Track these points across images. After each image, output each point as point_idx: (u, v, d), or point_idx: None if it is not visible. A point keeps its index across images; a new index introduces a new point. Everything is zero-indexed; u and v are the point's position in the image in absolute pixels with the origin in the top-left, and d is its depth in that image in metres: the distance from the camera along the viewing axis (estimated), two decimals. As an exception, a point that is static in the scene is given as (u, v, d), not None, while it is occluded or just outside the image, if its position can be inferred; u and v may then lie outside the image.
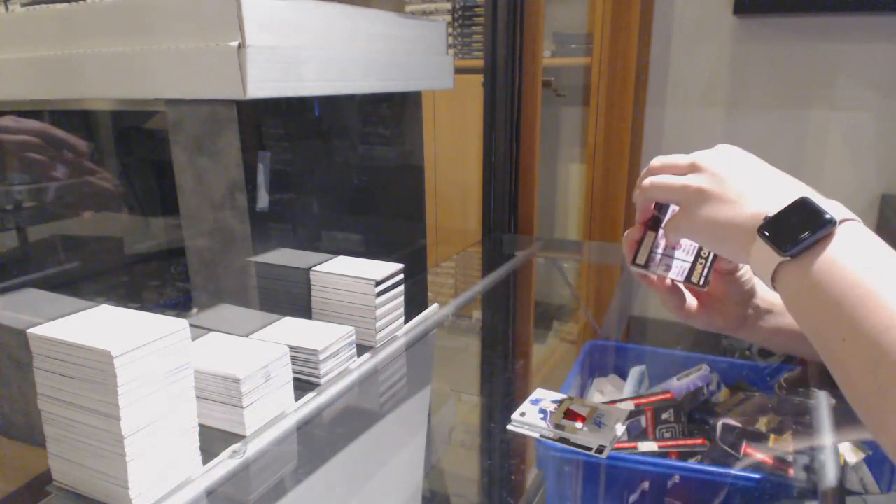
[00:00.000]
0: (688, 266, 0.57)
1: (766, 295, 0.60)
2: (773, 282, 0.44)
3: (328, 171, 0.86)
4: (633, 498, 0.67)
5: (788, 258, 0.42)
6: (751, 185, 0.47)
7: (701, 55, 1.92)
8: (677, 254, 0.57)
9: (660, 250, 0.57)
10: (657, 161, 0.54)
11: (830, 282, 0.40)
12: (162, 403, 0.49)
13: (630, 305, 1.34)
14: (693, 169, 0.51)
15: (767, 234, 0.43)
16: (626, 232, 0.59)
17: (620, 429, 0.64)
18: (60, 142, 0.75)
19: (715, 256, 0.57)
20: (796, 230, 0.42)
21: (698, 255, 0.57)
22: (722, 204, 0.47)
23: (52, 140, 0.74)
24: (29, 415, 0.58)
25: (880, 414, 0.36)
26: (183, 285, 0.84)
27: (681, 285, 0.59)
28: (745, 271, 0.58)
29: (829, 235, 0.41)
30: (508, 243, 1.42)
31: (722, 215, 0.47)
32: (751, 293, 0.59)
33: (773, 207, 0.44)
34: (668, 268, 0.57)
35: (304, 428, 0.63)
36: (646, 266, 0.58)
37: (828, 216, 0.41)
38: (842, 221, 0.42)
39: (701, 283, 0.57)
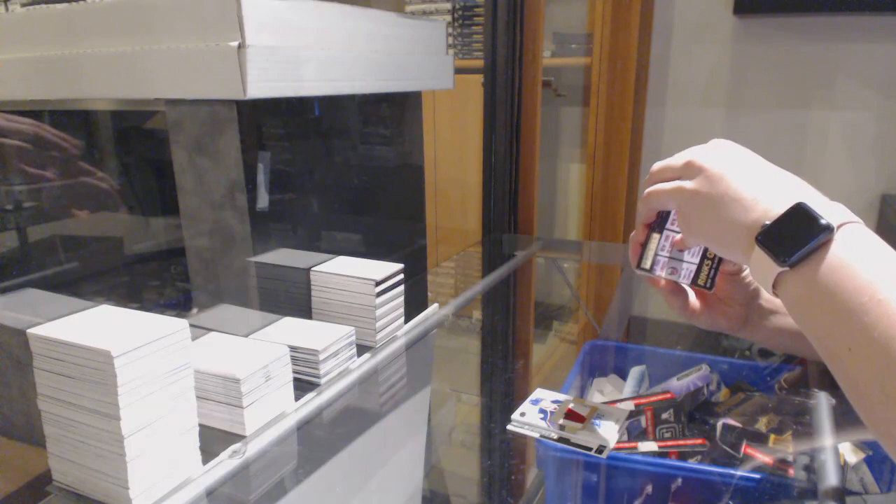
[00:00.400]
0: (694, 268, 0.57)
1: (769, 295, 0.60)
2: (774, 289, 0.43)
3: (328, 171, 0.86)
4: (636, 502, 0.67)
5: (787, 268, 0.41)
6: (748, 188, 0.46)
7: (701, 55, 1.92)
8: (683, 256, 0.57)
9: (665, 252, 0.56)
10: (656, 166, 0.54)
11: (832, 290, 0.39)
12: (162, 403, 0.49)
13: (630, 305, 1.34)
14: (687, 169, 0.50)
15: (764, 242, 0.43)
16: (632, 234, 0.58)
17: (620, 429, 0.64)
18: (52, 141, 0.74)
19: (721, 258, 0.56)
20: (793, 238, 0.41)
21: (704, 257, 0.56)
22: (719, 208, 0.47)
23: (44, 139, 0.74)
24: (29, 415, 0.58)
25: (887, 424, 0.36)
26: (183, 285, 0.84)
27: (686, 287, 0.59)
28: (749, 272, 0.58)
29: (827, 242, 0.40)
30: (508, 243, 1.42)
31: (720, 220, 0.46)
32: (754, 293, 0.59)
33: (771, 212, 0.43)
34: (675, 270, 0.57)
35: (304, 428, 0.63)
36: (651, 270, 0.57)
37: (824, 222, 0.40)
38: (841, 226, 0.41)
39: (707, 285, 0.56)
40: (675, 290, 0.59)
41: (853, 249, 0.40)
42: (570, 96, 2.20)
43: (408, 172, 1.05)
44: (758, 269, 0.44)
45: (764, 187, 0.45)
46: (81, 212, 0.84)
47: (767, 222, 0.43)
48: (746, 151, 0.49)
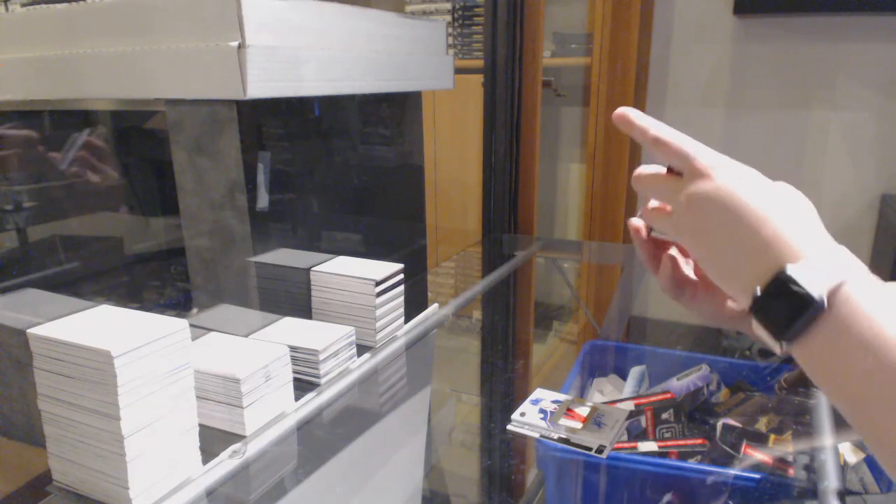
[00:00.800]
0: None
1: None
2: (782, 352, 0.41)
3: (328, 171, 0.86)
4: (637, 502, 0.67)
5: (786, 343, 0.39)
6: (732, 249, 0.42)
7: (701, 55, 1.92)
8: None
9: None
10: (637, 179, 0.50)
11: (842, 368, 0.37)
12: (162, 403, 0.49)
13: (630, 305, 1.34)
14: (677, 205, 0.46)
15: (756, 316, 0.40)
16: (641, 209, 0.54)
17: (620, 429, 0.64)
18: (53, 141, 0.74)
19: None
20: (784, 315, 0.38)
21: None
22: (711, 259, 0.44)
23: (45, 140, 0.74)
24: (29, 415, 0.58)
25: None
26: (183, 285, 0.84)
27: (689, 271, 0.57)
28: None
29: (821, 314, 0.37)
30: (508, 243, 1.42)
31: (714, 270, 0.44)
32: None
33: (758, 274, 0.40)
34: None
35: (304, 428, 0.63)
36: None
37: (813, 295, 0.36)
38: (835, 290, 0.37)
39: None
40: (674, 275, 0.56)
41: (853, 322, 0.36)
42: (570, 96, 2.20)
43: (408, 172, 1.05)
44: (760, 336, 0.41)
45: (750, 248, 0.41)
46: (81, 211, 0.84)
47: (758, 289, 0.40)
48: (739, 193, 0.42)
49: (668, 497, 0.65)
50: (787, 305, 0.38)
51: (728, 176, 0.43)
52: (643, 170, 0.49)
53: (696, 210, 0.44)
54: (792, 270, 0.38)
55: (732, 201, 0.42)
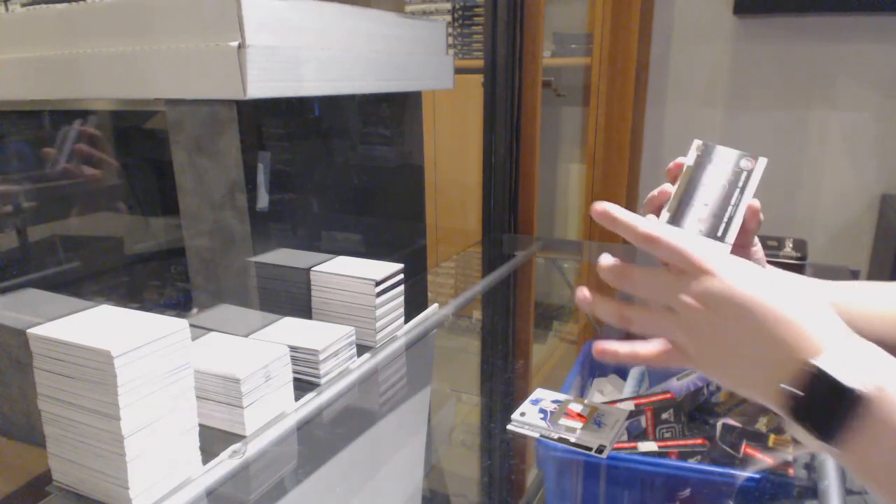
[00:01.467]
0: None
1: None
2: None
3: (328, 171, 0.86)
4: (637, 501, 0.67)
5: (834, 446, 0.36)
6: (752, 348, 0.39)
7: (701, 55, 1.91)
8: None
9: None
10: (625, 277, 0.45)
11: (890, 465, 0.34)
12: (162, 403, 0.49)
13: (630, 305, 1.34)
14: (678, 305, 0.42)
15: (798, 416, 0.37)
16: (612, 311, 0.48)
17: (620, 429, 0.64)
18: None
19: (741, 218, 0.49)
20: (826, 413, 0.35)
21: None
22: (728, 361, 0.41)
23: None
24: (29, 415, 0.58)
25: None
26: (183, 285, 0.84)
27: None
28: (758, 249, 0.52)
29: (866, 410, 0.34)
30: (508, 243, 1.42)
31: (735, 372, 0.41)
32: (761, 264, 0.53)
33: (794, 377, 0.37)
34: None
35: (304, 428, 0.63)
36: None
37: (852, 389, 0.34)
38: (878, 385, 0.34)
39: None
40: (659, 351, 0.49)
41: None
42: (570, 96, 2.20)
43: (408, 172, 1.05)
44: (802, 438, 0.38)
45: (774, 346, 0.38)
46: (81, 211, 0.84)
47: (795, 388, 0.37)
48: (753, 289, 0.40)
49: (686, 492, 0.65)
50: (828, 399, 0.35)
51: (732, 270, 0.41)
52: (634, 266, 0.45)
53: (708, 309, 0.40)
54: (825, 364, 0.35)
55: (747, 298, 0.39)
